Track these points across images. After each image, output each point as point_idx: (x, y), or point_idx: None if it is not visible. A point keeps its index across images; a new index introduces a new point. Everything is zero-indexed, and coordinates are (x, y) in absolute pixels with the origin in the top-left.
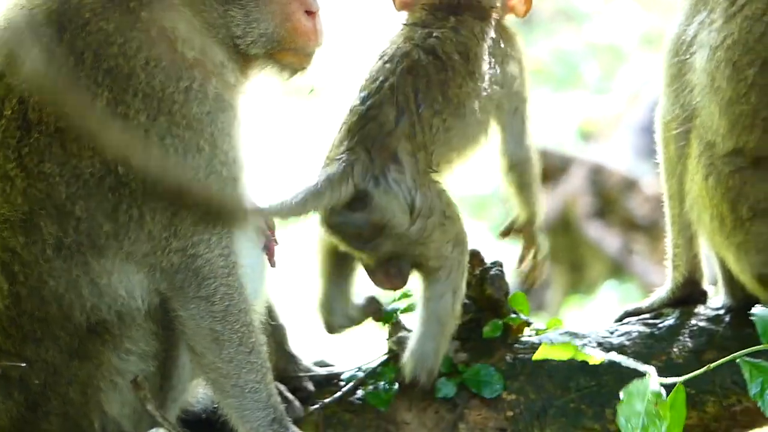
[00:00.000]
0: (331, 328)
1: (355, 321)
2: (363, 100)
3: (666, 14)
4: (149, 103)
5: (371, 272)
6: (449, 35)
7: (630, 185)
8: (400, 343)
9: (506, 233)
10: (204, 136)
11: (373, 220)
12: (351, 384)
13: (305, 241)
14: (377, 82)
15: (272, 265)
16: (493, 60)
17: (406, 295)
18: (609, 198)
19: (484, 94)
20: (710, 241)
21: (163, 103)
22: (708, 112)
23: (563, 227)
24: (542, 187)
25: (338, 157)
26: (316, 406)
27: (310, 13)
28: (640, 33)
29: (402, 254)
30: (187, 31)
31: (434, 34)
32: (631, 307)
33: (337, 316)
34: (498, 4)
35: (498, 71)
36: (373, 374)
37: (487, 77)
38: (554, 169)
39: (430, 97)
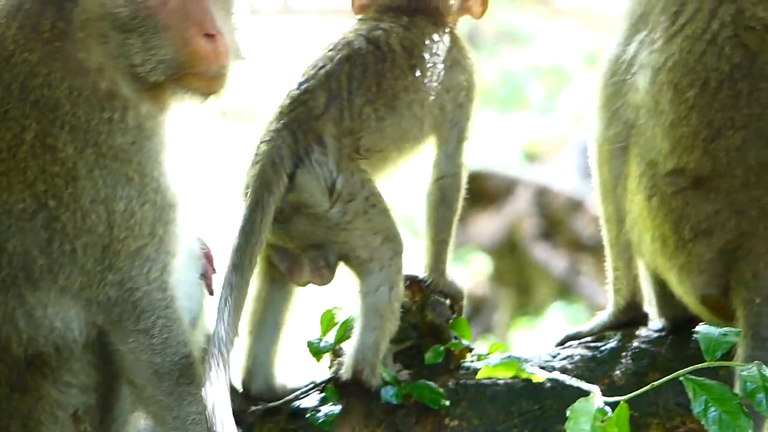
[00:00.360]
0: (247, 390)
1: (273, 394)
2: (299, 85)
3: (607, 33)
4: (76, 134)
5: (295, 265)
6: (397, 30)
7: (575, 206)
8: (341, 365)
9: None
10: (132, 165)
11: (291, 198)
12: (293, 404)
13: None
14: (315, 69)
15: (210, 293)
16: (441, 63)
17: (331, 324)
18: (555, 219)
19: (424, 91)
20: (651, 263)
21: (89, 134)
22: (651, 133)
23: (509, 249)
24: (488, 208)
25: (265, 139)
26: None
27: (210, 36)
28: (584, 53)
29: (326, 242)
30: (98, 62)
31: (381, 26)
32: (572, 331)
33: (258, 381)
34: (454, 10)
35: (444, 75)
36: (315, 400)
37: (430, 76)
38: (500, 191)
39: (364, 86)
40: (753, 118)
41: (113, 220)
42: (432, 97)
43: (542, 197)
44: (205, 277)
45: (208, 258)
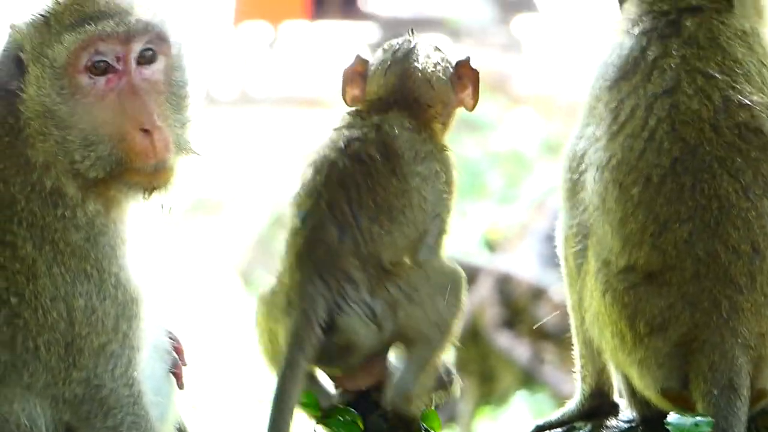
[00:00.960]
0: None
1: None
2: (303, 221)
3: (565, 121)
4: (34, 231)
5: (348, 377)
6: (371, 136)
7: (538, 294)
8: None
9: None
10: (90, 261)
11: (337, 341)
12: None
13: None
14: (313, 199)
15: (180, 387)
16: (416, 156)
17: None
18: (517, 307)
19: (409, 190)
20: (613, 358)
21: (46, 231)
22: (602, 231)
23: (472, 338)
24: None
25: (300, 296)
26: None
27: (146, 131)
28: (542, 141)
29: (381, 350)
30: (43, 159)
31: (356, 136)
32: (541, 421)
33: None
34: (444, 103)
35: (423, 166)
36: None
37: (410, 171)
38: None
39: (364, 207)
40: (698, 210)
41: (74, 317)
42: (416, 193)
43: (504, 285)
44: (176, 371)
45: (178, 351)
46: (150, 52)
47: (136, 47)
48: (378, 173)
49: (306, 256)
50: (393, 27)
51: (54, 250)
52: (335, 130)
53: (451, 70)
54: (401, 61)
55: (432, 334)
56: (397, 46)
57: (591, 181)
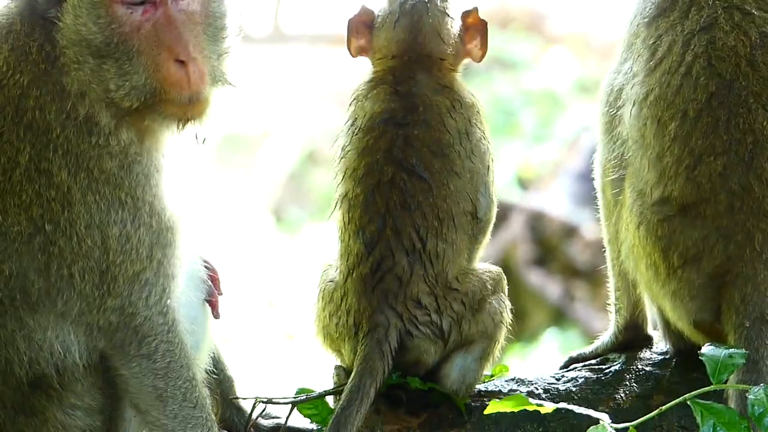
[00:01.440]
0: None
1: None
2: (368, 246)
3: (600, 61)
4: (69, 159)
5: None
6: (421, 135)
7: (570, 232)
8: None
9: None
10: (124, 189)
11: (408, 359)
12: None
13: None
14: (376, 224)
15: (216, 316)
16: (459, 132)
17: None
18: (549, 245)
19: (464, 173)
20: (648, 290)
21: (81, 158)
22: (639, 164)
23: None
24: None
25: (371, 326)
26: None
27: (182, 62)
28: (575, 80)
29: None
30: (77, 88)
31: (409, 139)
32: (575, 353)
33: None
34: (454, 53)
35: (468, 141)
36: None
37: (459, 155)
38: None
39: (430, 228)
40: (733, 144)
41: (109, 245)
42: (467, 173)
43: (536, 223)
44: (211, 300)
45: (214, 280)
46: None
47: None
48: (436, 184)
49: (376, 286)
50: None
51: (89, 177)
52: (374, 122)
53: (459, 20)
54: (409, 14)
55: (491, 330)
56: None
57: (628, 115)
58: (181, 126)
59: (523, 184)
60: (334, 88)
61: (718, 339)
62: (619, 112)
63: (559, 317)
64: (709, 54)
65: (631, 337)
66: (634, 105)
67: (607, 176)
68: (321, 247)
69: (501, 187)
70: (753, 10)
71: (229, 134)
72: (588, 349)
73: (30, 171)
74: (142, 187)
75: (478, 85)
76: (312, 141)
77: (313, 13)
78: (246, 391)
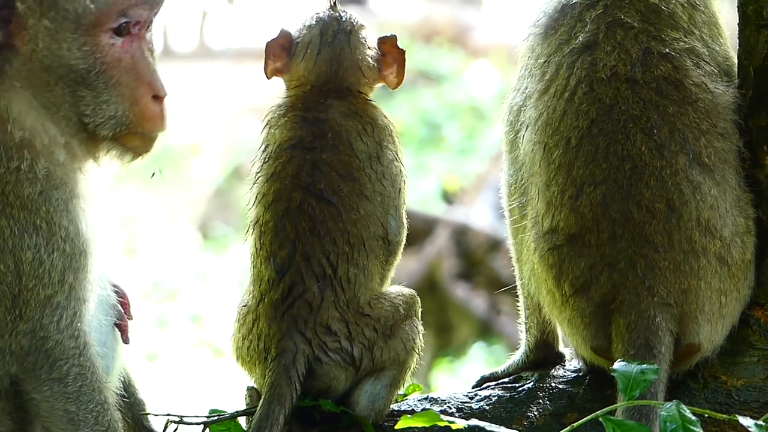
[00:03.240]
0: None
1: None
2: (279, 272)
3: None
4: None
5: None
6: (329, 159)
7: (495, 245)
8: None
9: None
10: (40, 214)
11: (317, 386)
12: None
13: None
14: (287, 250)
15: (125, 341)
16: (370, 155)
17: None
18: (475, 259)
19: (374, 197)
20: (549, 314)
21: None
22: (533, 191)
23: (429, 289)
24: (407, 248)
25: (279, 351)
26: None
27: (157, 98)
28: (499, 93)
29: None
30: (20, 111)
31: (317, 164)
32: (487, 372)
33: None
34: (369, 82)
35: (379, 163)
36: None
37: (370, 179)
38: (419, 231)
39: (341, 254)
40: (611, 172)
41: (21, 269)
42: (378, 196)
43: (461, 237)
44: (121, 324)
45: (123, 305)
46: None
47: (155, 13)
48: (345, 209)
49: (286, 311)
50: None
51: (3, 202)
52: (282, 149)
53: (377, 49)
54: (330, 46)
55: (403, 357)
56: (325, 27)
57: (524, 142)
58: (131, 159)
59: (448, 197)
60: (260, 104)
61: None
62: (518, 135)
63: (486, 331)
64: (590, 78)
65: (543, 356)
66: (527, 129)
67: (511, 199)
68: (247, 263)
69: (426, 201)
70: (635, 23)
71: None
72: (500, 368)
73: None
74: (59, 212)
75: (403, 98)
76: (238, 156)
77: (238, 28)
78: (163, 410)
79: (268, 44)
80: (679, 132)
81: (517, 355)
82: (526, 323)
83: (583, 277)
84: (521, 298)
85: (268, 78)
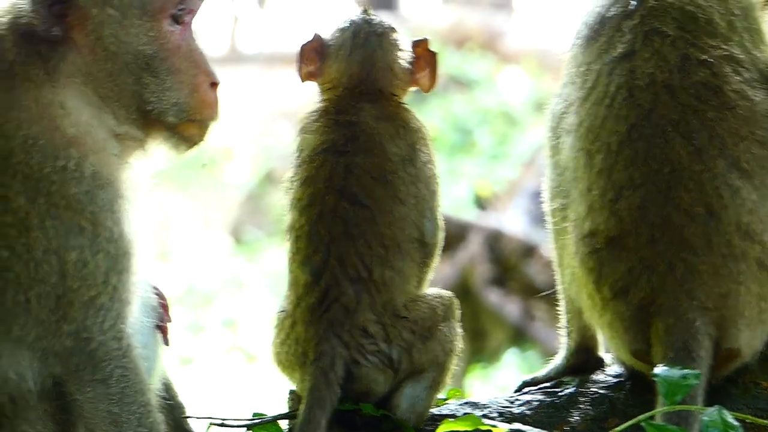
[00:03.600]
0: None
1: None
2: (315, 276)
3: (555, 80)
4: (28, 183)
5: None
6: (362, 163)
7: (528, 251)
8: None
9: None
10: (84, 215)
11: (356, 388)
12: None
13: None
14: (321, 254)
15: (166, 343)
16: (403, 159)
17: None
18: (508, 264)
19: (409, 199)
20: (590, 318)
21: (42, 183)
22: (575, 195)
23: (463, 295)
24: (440, 254)
25: (317, 355)
26: None
27: (213, 86)
28: (531, 98)
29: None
30: (75, 106)
31: (350, 167)
32: (528, 377)
33: None
34: (402, 85)
35: (412, 166)
36: None
37: (404, 181)
38: (452, 237)
39: (375, 257)
40: (650, 175)
41: (66, 270)
42: (413, 198)
43: (495, 242)
44: (162, 327)
45: (164, 308)
46: None
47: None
48: (380, 212)
49: (322, 315)
50: None
51: (48, 202)
52: (315, 153)
53: (409, 52)
54: (362, 48)
55: (442, 359)
56: (357, 29)
57: (566, 147)
58: (186, 149)
59: (481, 203)
60: (291, 108)
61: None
62: (560, 140)
63: (519, 337)
64: (629, 84)
65: (583, 360)
66: (569, 135)
67: (553, 203)
68: (279, 267)
69: (458, 206)
70: (671, 32)
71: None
72: (541, 373)
73: None
74: (104, 213)
75: (435, 104)
76: (269, 161)
77: (269, 33)
78: (203, 414)
79: (301, 48)
80: (718, 137)
81: (558, 360)
82: (566, 328)
83: (622, 281)
84: (562, 302)
85: (302, 81)
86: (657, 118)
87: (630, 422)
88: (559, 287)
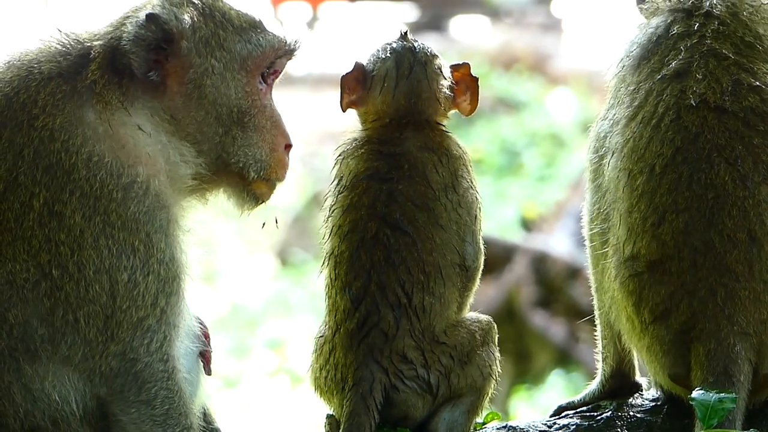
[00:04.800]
0: None
1: None
2: (354, 302)
3: (603, 102)
4: (85, 201)
5: None
6: (405, 190)
7: (574, 273)
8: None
9: None
10: (139, 236)
11: (396, 415)
12: None
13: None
14: (362, 280)
15: (208, 372)
16: (446, 186)
17: None
18: (553, 286)
19: (450, 225)
20: (629, 341)
21: (100, 201)
22: (615, 218)
23: (508, 316)
24: (485, 275)
25: (356, 380)
26: None
27: (288, 148)
28: (579, 120)
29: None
30: (152, 130)
31: (392, 194)
32: (565, 402)
33: None
34: (444, 109)
35: (454, 193)
36: None
37: (446, 208)
38: (498, 258)
39: (416, 283)
40: (694, 200)
41: (116, 291)
42: (454, 225)
43: (540, 264)
44: (204, 355)
45: (206, 336)
46: None
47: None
48: (420, 239)
49: (362, 341)
50: (431, 7)
51: (104, 221)
52: (358, 180)
53: (450, 77)
54: (408, 79)
55: (480, 383)
56: (400, 59)
57: (608, 168)
58: (251, 207)
59: (527, 225)
60: (338, 130)
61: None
62: (603, 162)
63: (564, 359)
64: (678, 105)
65: (619, 385)
66: (613, 155)
67: (593, 226)
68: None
69: (505, 228)
70: (730, 54)
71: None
72: (577, 397)
73: (43, 215)
74: (159, 234)
75: (482, 126)
76: (317, 183)
77: (318, 55)
78: None
79: (342, 78)
80: (763, 163)
81: (594, 384)
82: (602, 352)
83: (663, 305)
84: (599, 327)
85: (343, 111)
86: (703, 142)
87: None
88: (597, 312)
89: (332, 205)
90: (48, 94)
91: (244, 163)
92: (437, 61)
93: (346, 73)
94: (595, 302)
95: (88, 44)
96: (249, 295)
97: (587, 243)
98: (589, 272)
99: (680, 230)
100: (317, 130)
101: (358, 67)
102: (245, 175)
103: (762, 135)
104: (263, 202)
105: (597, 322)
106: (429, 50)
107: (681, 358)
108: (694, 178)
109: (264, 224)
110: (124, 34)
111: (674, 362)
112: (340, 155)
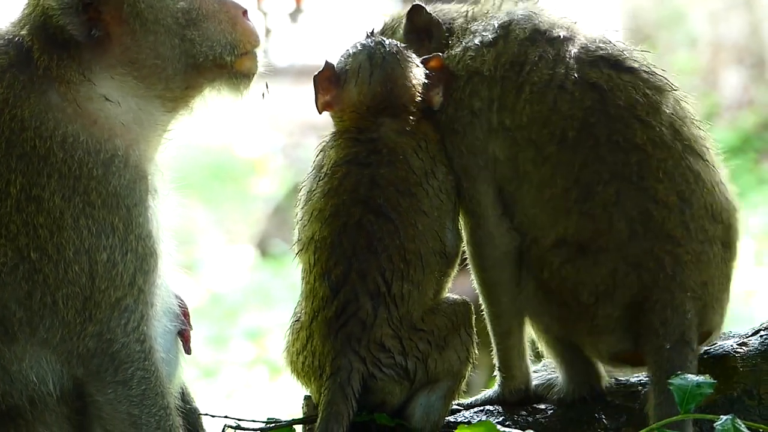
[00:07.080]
0: None
1: None
2: (333, 289)
3: None
4: (64, 182)
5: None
6: (387, 175)
7: None
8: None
9: None
10: (120, 213)
11: (373, 401)
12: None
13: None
14: (342, 267)
15: (188, 351)
16: (425, 171)
17: None
18: None
19: (431, 211)
20: (559, 333)
21: (80, 181)
22: (522, 203)
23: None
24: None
25: (333, 368)
26: None
27: (245, 14)
28: None
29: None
30: (120, 96)
31: (375, 179)
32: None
33: None
34: (416, 97)
35: (433, 178)
36: None
37: (426, 194)
38: None
39: (396, 271)
40: (619, 166)
41: (95, 271)
42: (436, 210)
43: None
44: (183, 334)
45: (185, 315)
46: None
47: None
48: (403, 223)
49: (339, 329)
50: None
51: (84, 201)
52: (337, 165)
53: (423, 68)
54: (382, 67)
55: (457, 367)
56: (372, 51)
57: (499, 149)
58: (246, 86)
59: None
60: (320, 121)
61: (636, 363)
62: (466, 179)
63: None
64: (581, 60)
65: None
66: (504, 132)
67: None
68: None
69: None
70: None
71: (216, 166)
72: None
73: (20, 201)
74: (138, 207)
75: None
76: (298, 174)
77: (301, 46)
78: (218, 420)
79: (315, 78)
80: (667, 119)
81: (490, 391)
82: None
83: (604, 284)
84: (497, 344)
85: (320, 112)
86: (613, 99)
87: (645, 430)
88: (498, 331)
89: (312, 190)
90: (6, 87)
91: (214, 54)
92: (408, 52)
93: (318, 73)
94: (493, 328)
95: (17, 38)
96: (228, 285)
97: (470, 262)
98: (483, 293)
99: (612, 202)
100: (299, 122)
101: (329, 66)
102: (223, 63)
103: (656, 90)
104: (254, 74)
105: (494, 342)
106: (398, 43)
107: (629, 332)
108: (612, 141)
109: (263, 95)
110: (48, 11)
111: (621, 338)
112: (321, 148)
